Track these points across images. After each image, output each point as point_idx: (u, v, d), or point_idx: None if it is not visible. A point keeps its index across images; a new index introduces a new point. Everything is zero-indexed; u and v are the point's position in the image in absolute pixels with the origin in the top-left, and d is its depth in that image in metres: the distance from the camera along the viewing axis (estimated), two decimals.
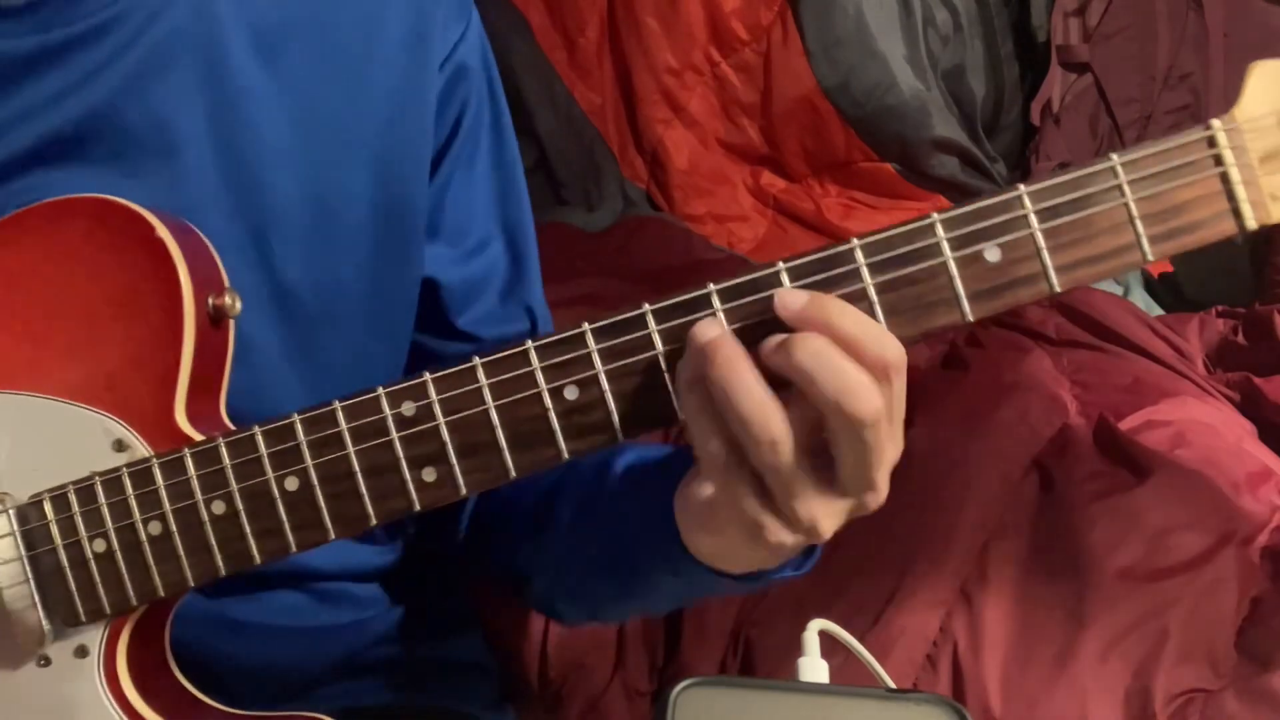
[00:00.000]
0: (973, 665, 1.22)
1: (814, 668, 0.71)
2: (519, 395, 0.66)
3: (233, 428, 0.73)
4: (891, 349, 0.61)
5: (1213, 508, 1.32)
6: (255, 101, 0.78)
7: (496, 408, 0.66)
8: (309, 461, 0.68)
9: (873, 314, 0.63)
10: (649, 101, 2.26)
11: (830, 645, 0.73)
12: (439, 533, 0.92)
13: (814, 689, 0.68)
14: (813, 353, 0.61)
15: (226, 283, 0.73)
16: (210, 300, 0.71)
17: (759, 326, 0.63)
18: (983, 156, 2.24)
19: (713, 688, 0.65)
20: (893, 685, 0.70)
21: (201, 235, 0.74)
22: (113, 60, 0.75)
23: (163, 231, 0.71)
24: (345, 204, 0.82)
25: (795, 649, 0.72)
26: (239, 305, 0.72)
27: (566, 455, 0.66)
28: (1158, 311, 1.89)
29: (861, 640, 0.75)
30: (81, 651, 0.72)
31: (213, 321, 0.72)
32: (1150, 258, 0.62)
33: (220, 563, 0.69)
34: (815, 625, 0.73)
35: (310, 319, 0.81)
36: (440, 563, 0.95)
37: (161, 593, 0.70)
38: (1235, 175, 0.62)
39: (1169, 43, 2.23)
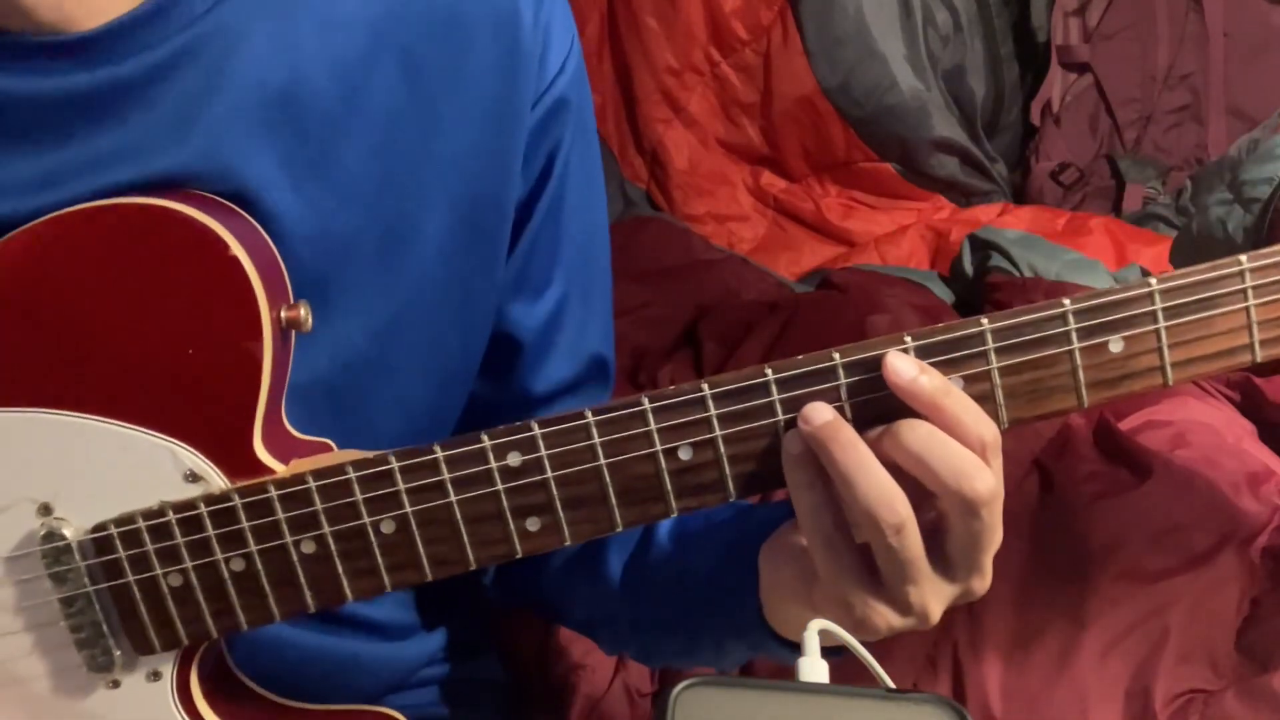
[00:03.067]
0: (973, 665, 1.22)
1: (814, 668, 0.71)
2: (633, 454, 0.65)
3: (301, 437, 0.70)
4: (989, 430, 0.61)
5: (1213, 508, 1.32)
6: (335, 136, 0.72)
7: (608, 465, 0.65)
8: (408, 508, 0.66)
9: (994, 396, 0.63)
10: (649, 101, 2.26)
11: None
12: (465, 581, 0.92)
13: (814, 689, 0.68)
14: (923, 437, 0.61)
15: (292, 294, 0.69)
16: (283, 314, 0.67)
17: (880, 400, 0.63)
18: (983, 156, 2.24)
19: (713, 688, 0.65)
20: (893, 685, 0.70)
21: (268, 240, 0.69)
22: (186, 113, 0.68)
23: (237, 249, 0.65)
24: (416, 245, 0.75)
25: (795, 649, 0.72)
26: (310, 318, 0.68)
27: (676, 512, 0.66)
28: None
29: (862, 640, 0.75)
30: (154, 675, 0.70)
31: (283, 337, 0.68)
32: (1259, 360, 0.63)
33: (310, 600, 0.68)
34: (815, 625, 0.73)
35: (362, 365, 0.76)
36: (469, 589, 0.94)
37: (245, 627, 0.68)
38: None
39: (1169, 43, 2.23)
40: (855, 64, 2.17)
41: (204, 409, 0.67)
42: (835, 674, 0.72)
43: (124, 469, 0.67)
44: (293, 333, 0.69)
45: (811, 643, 0.72)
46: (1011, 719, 1.18)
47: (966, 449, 0.61)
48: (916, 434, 0.61)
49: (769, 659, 0.77)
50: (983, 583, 0.64)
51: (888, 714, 0.65)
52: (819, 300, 1.84)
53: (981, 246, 1.91)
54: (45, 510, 0.68)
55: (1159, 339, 0.63)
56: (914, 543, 0.61)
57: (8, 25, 0.65)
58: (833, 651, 0.73)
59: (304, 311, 0.68)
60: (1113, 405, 1.49)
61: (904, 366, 0.61)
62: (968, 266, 1.90)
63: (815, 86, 2.20)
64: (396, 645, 0.89)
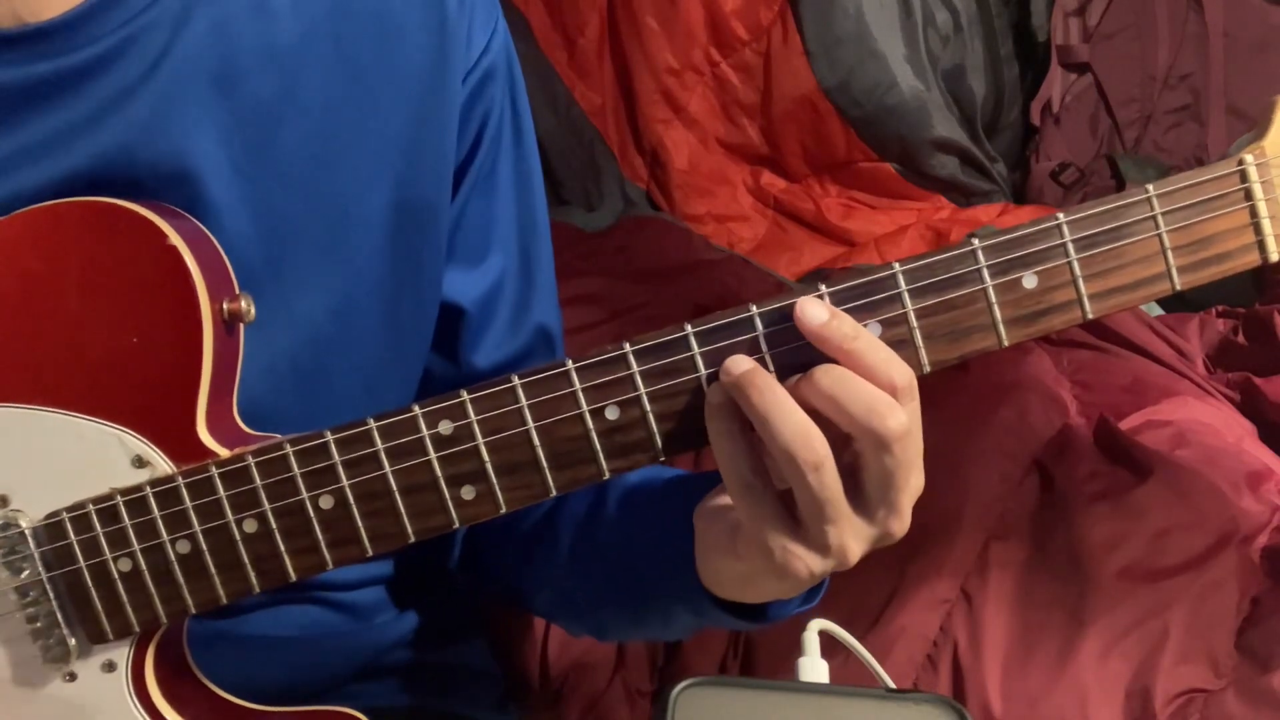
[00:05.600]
0: (973, 665, 1.22)
1: (814, 668, 0.72)
2: (560, 416, 0.65)
3: (251, 433, 0.72)
4: (900, 373, 0.63)
5: (1213, 508, 1.32)
6: (272, 123, 0.75)
7: (537, 428, 0.66)
8: (345, 481, 0.67)
9: (912, 339, 0.64)
10: (649, 101, 2.26)
11: (830, 645, 0.73)
12: (431, 561, 0.92)
13: (814, 689, 0.68)
14: (836, 378, 0.62)
15: (237, 287, 0.71)
16: (225, 306, 0.69)
17: (799, 349, 0.64)
18: (983, 156, 2.24)
19: (713, 688, 0.65)
20: (893, 685, 0.70)
21: (210, 235, 0.71)
22: (130, 94, 0.71)
23: (175, 238, 0.68)
24: (362, 225, 0.79)
25: (795, 649, 0.72)
26: (253, 310, 0.70)
27: (608, 474, 0.66)
28: (1158, 312, 1.90)
29: (861, 640, 0.75)
30: (109, 666, 0.71)
31: (227, 328, 0.70)
32: (1178, 287, 0.64)
33: (254, 580, 0.69)
34: (815, 625, 0.73)
35: (324, 344, 0.79)
36: (444, 570, 0.95)
37: (193, 610, 0.69)
38: (1263, 210, 0.64)
39: (1169, 43, 2.23)
40: (855, 64, 2.17)
41: (148, 395, 0.69)
42: (835, 674, 0.72)
43: (76, 457, 0.69)
44: (240, 325, 0.71)
45: (811, 643, 0.72)
46: (1011, 719, 1.18)
47: (878, 389, 0.62)
48: (830, 376, 0.63)
49: (715, 626, 0.77)
50: (900, 524, 0.66)
51: (888, 714, 0.65)
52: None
53: None
54: (3, 502, 0.70)
55: (1072, 271, 0.63)
56: (832, 481, 0.63)
57: None
58: (753, 614, 0.74)
59: (246, 304, 0.70)
60: (1113, 405, 1.49)
61: (814, 311, 0.63)
62: None
63: (815, 86, 2.20)
64: (364, 623, 0.89)
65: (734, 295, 1.89)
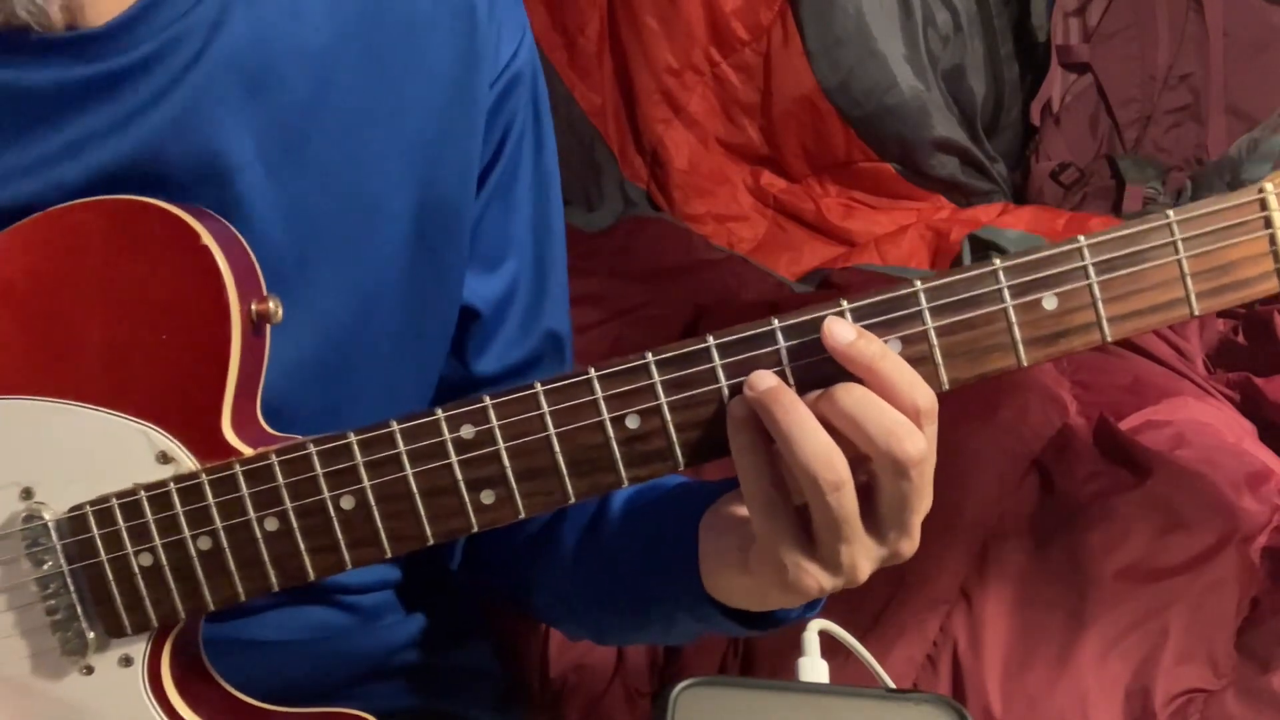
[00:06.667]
0: (973, 665, 1.22)
1: (814, 668, 0.72)
2: (581, 423, 0.66)
3: (274, 433, 0.72)
4: (923, 396, 0.63)
5: (1213, 508, 1.32)
6: (305, 124, 0.76)
7: (558, 434, 0.66)
8: (366, 482, 0.67)
9: (931, 357, 0.64)
10: (649, 101, 2.26)
11: (830, 645, 0.74)
12: (435, 563, 0.92)
13: (814, 689, 0.68)
14: (858, 399, 0.63)
15: (265, 288, 0.72)
16: (253, 307, 0.70)
17: (820, 364, 0.64)
18: (983, 156, 2.24)
19: (713, 688, 0.65)
20: (893, 685, 0.70)
21: (240, 237, 0.72)
22: (165, 93, 0.72)
23: (207, 239, 0.69)
24: (388, 225, 0.80)
25: (795, 649, 0.72)
26: (281, 311, 0.71)
27: (626, 482, 0.67)
28: None
29: (861, 640, 0.75)
30: (126, 661, 0.71)
31: (254, 329, 0.71)
32: (1197, 312, 0.64)
33: (274, 579, 0.69)
34: (815, 625, 0.73)
35: (346, 342, 0.80)
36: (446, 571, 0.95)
37: (211, 607, 0.70)
38: None
39: (1169, 43, 2.23)
40: (855, 64, 2.18)
41: (175, 392, 0.70)
42: (835, 674, 0.72)
43: (101, 452, 0.70)
44: (266, 326, 0.71)
45: (811, 643, 0.72)
46: (1011, 719, 1.19)
47: (899, 412, 0.62)
48: (852, 396, 0.63)
49: (717, 632, 0.78)
50: (910, 544, 0.66)
51: (888, 714, 0.65)
52: (819, 300, 1.84)
53: (981, 246, 1.91)
54: (27, 494, 0.70)
55: (1092, 294, 0.64)
56: (850, 502, 0.63)
57: (24, 24, 0.69)
58: (756, 620, 0.74)
59: (274, 305, 0.71)
60: (1113, 405, 1.49)
61: (841, 331, 0.63)
62: None
63: (815, 86, 2.20)
64: (372, 625, 0.90)
65: (734, 295, 1.90)
